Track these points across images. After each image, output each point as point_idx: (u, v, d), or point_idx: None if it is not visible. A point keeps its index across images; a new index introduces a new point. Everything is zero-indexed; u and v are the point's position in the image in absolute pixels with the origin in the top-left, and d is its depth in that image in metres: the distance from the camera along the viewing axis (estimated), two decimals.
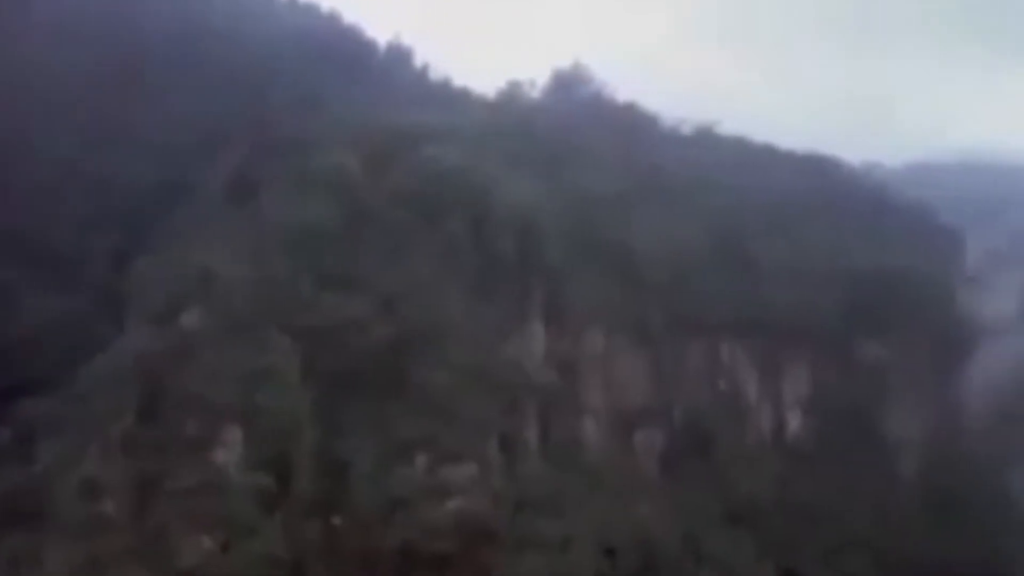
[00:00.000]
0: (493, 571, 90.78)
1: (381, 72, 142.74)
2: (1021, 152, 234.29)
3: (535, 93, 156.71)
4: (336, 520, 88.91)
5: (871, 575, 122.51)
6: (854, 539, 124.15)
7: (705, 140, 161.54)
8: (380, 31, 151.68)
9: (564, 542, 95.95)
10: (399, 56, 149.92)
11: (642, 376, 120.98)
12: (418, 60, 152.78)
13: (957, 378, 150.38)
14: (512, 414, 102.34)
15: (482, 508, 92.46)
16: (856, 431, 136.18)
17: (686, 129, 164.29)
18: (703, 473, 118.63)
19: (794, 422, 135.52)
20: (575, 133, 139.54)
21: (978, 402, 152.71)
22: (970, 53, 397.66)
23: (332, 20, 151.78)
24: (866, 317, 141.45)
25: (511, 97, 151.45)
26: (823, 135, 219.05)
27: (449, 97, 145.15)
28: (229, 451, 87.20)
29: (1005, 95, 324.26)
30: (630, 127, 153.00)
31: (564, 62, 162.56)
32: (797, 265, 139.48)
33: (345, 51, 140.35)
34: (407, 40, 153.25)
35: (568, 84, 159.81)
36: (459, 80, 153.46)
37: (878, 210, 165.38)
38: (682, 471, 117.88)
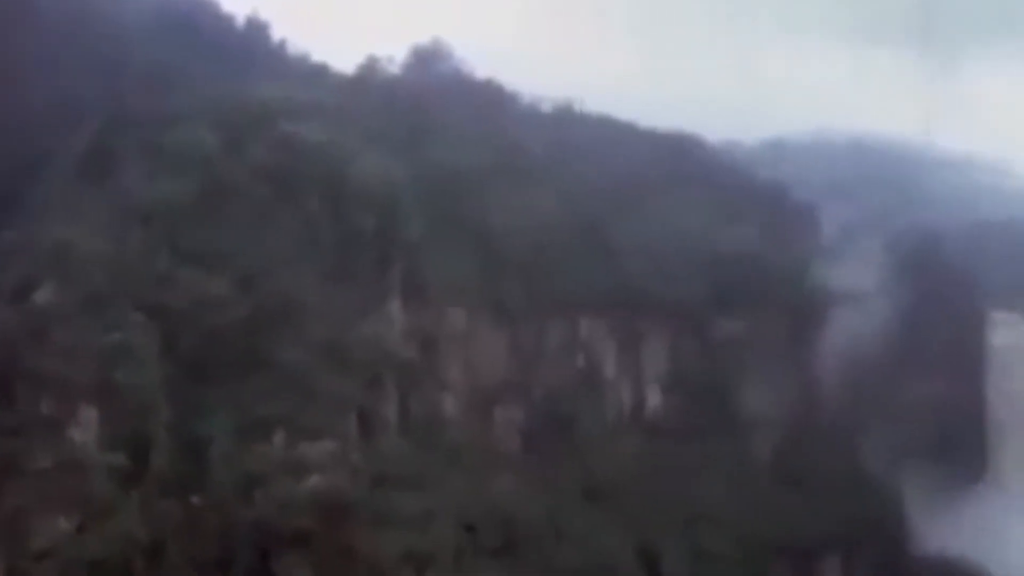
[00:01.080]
0: (352, 547, 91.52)
1: (239, 47, 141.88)
2: (875, 131, 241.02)
3: (394, 69, 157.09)
4: (194, 499, 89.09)
5: (726, 550, 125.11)
6: (710, 515, 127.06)
7: (565, 117, 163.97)
8: (237, 5, 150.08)
9: (424, 518, 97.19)
10: (257, 31, 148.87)
11: (502, 353, 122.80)
12: (276, 35, 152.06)
13: (812, 353, 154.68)
14: (371, 391, 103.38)
15: (341, 485, 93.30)
16: (713, 407, 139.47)
17: (546, 106, 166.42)
18: (562, 449, 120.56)
19: (653, 399, 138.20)
20: (435, 109, 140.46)
21: (833, 376, 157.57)
22: (824, 32, 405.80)
23: None
24: (724, 294, 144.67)
25: (370, 73, 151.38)
26: (682, 113, 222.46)
27: (307, 72, 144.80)
28: (85, 430, 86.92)
29: (859, 74, 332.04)
30: (490, 104, 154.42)
31: (423, 38, 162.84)
32: (656, 242, 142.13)
33: (202, 25, 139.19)
34: (265, 15, 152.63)
35: (427, 60, 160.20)
36: (318, 55, 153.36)
37: (736, 188, 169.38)
38: (542, 447, 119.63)
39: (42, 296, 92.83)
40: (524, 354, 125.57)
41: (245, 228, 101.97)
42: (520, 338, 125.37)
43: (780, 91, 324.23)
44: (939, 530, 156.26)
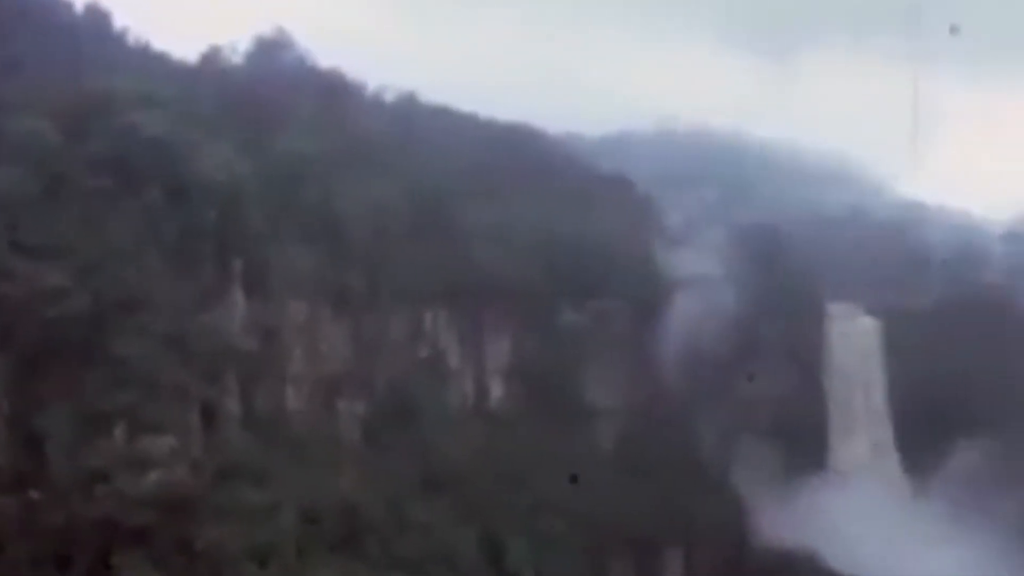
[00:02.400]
0: (195, 542, 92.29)
1: (77, 35, 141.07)
2: (716, 125, 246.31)
3: (237, 59, 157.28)
4: (33, 494, 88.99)
5: (567, 539, 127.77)
6: (553, 505, 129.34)
7: (408, 107, 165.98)
8: None
9: (267, 511, 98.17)
10: (96, 19, 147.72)
11: (344, 344, 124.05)
12: (116, 23, 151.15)
13: (655, 344, 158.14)
14: (213, 383, 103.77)
15: (182, 479, 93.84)
16: (557, 397, 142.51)
17: (389, 96, 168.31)
18: (406, 440, 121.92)
19: (496, 389, 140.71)
20: (278, 99, 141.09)
21: (676, 366, 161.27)
22: (667, 29, 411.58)
23: None
24: (567, 284, 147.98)
25: (212, 62, 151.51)
26: (523, 107, 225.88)
27: (148, 62, 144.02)
28: None
29: (700, 70, 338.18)
30: (333, 93, 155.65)
31: (266, 28, 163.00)
32: (499, 232, 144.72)
33: (39, 13, 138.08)
34: (105, 3, 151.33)
35: (270, 50, 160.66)
36: (159, 44, 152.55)
37: (578, 179, 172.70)
38: (385, 439, 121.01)
39: None
40: (367, 345, 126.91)
41: (84, 220, 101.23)
42: (363, 329, 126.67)
43: (622, 86, 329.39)
44: (779, 520, 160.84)
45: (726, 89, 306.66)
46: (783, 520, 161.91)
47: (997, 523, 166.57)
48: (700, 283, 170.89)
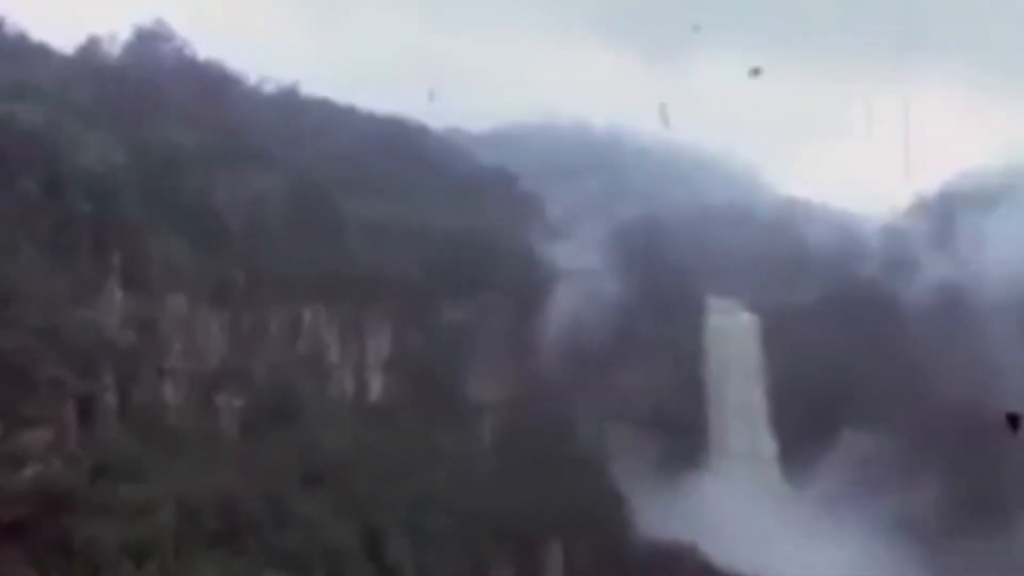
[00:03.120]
0: (72, 537, 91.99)
1: None
2: (599, 120, 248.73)
3: (115, 50, 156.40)
4: None
5: (449, 532, 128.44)
6: (432, 499, 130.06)
7: (289, 100, 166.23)
8: None
9: (144, 507, 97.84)
10: None
11: (223, 338, 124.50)
12: None
13: (536, 338, 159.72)
14: (89, 377, 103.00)
15: (59, 473, 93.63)
16: (437, 392, 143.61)
17: (270, 88, 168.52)
18: (285, 435, 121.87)
19: (376, 384, 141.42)
20: (157, 91, 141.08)
21: (557, 361, 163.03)
22: (548, 23, 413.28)
23: None
24: (448, 279, 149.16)
25: (91, 53, 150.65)
26: (405, 101, 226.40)
27: (25, 52, 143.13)
28: None
29: (584, 65, 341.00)
30: (213, 85, 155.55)
31: (146, 19, 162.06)
32: (379, 227, 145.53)
33: None
34: None
35: (150, 41, 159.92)
36: (36, 35, 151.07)
37: (460, 173, 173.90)
38: (264, 433, 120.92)
39: None
40: (246, 339, 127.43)
41: None
42: (242, 323, 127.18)
43: (505, 81, 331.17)
44: (658, 513, 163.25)
45: (609, 86, 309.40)
46: (662, 513, 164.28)
47: (876, 516, 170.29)
48: (581, 277, 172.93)
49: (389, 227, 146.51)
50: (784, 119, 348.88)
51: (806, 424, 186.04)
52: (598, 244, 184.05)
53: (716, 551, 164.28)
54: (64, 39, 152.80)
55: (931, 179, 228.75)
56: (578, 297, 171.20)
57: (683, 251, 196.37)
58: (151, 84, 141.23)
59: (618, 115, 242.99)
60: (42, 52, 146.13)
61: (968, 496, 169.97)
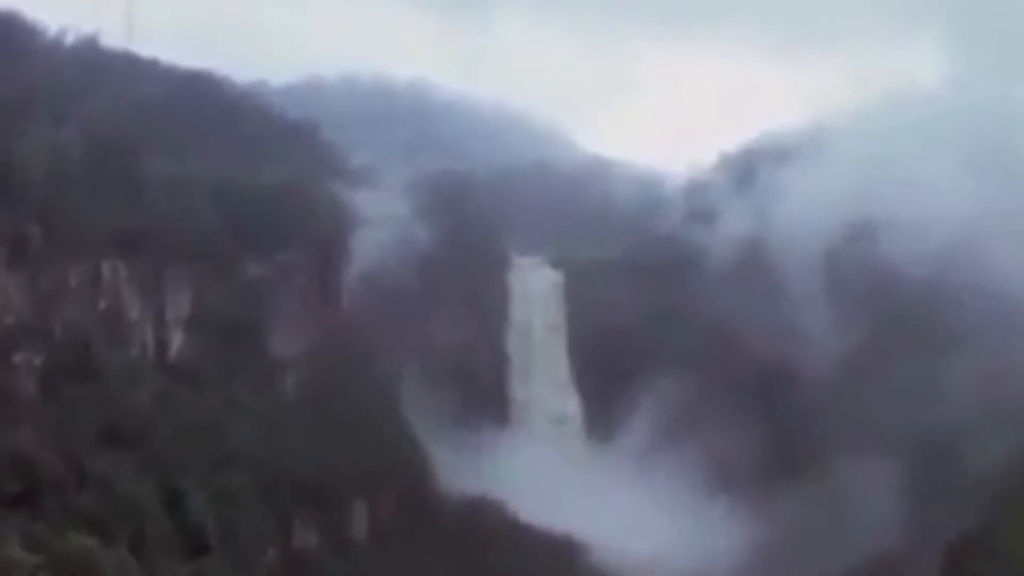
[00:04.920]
0: None
1: None
2: (403, 74, 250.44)
3: None
4: None
5: (251, 490, 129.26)
6: (236, 456, 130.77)
7: (89, 51, 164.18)
8: None
9: None
10: None
11: (21, 295, 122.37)
12: None
13: (340, 293, 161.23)
14: None
15: None
16: (240, 348, 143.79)
17: (69, 39, 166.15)
18: (85, 393, 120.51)
19: (177, 340, 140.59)
20: None
21: (361, 317, 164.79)
22: None
23: None
24: (250, 233, 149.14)
25: None
26: (208, 54, 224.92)
27: None
28: None
29: (389, 20, 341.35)
30: (10, 34, 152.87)
31: None
32: (181, 182, 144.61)
33: None
34: None
35: None
36: None
37: (262, 126, 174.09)
38: (63, 392, 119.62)
39: None
40: (44, 296, 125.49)
41: None
42: (39, 280, 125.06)
43: (308, 35, 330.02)
44: (463, 468, 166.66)
45: (413, 42, 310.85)
46: (467, 469, 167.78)
47: (683, 467, 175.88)
48: (384, 230, 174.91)
49: (190, 181, 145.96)
50: (588, 77, 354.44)
51: (610, 379, 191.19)
52: (401, 198, 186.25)
53: (523, 507, 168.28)
54: None
55: (736, 137, 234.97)
56: (381, 252, 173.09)
57: (487, 206, 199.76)
58: None
59: (422, 71, 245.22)
60: None
61: (773, 446, 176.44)
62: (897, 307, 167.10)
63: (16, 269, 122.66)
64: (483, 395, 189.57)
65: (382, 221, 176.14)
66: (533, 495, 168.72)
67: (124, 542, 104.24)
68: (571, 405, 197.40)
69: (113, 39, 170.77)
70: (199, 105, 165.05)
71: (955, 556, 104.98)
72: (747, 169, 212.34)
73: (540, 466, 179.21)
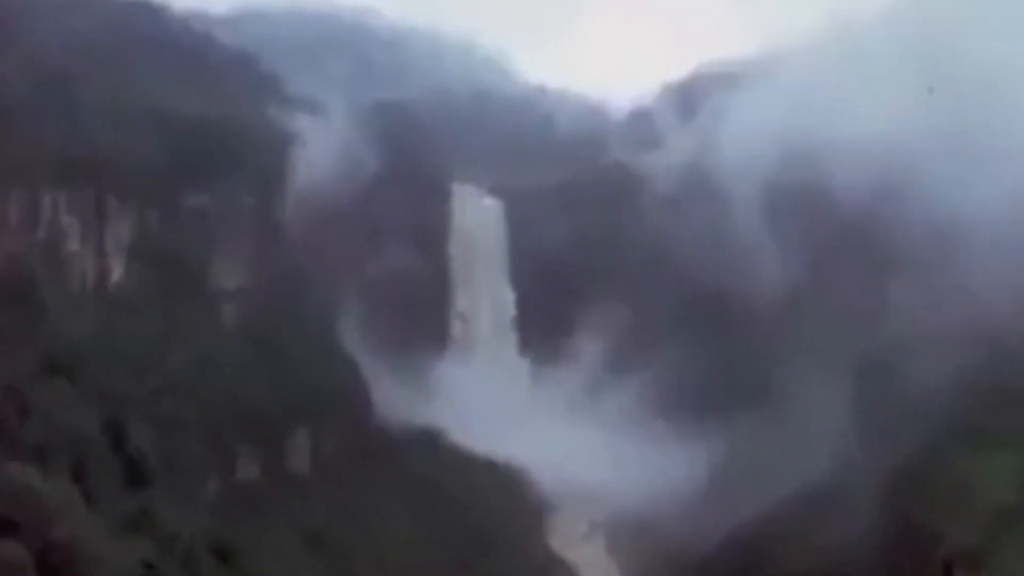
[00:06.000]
0: None
1: None
2: (344, 2, 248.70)
3: None
4: None
5: (193, 420, 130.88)
6: (177, 385, 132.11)
7: None
8: None
9: None
10: None
11: None
12: None
13: (280, 223, 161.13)
14: None
15: None
16: (180, 278, 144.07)
17: None
18: (24, 324, 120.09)
19: (118, 271, 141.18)
20: None
21: (302, 247, 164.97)
22: None
23: None
24: (190, 165, 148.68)
25: None
26: None
27: None
28: None
29: None
30: None
31: None
32: (121, 112, 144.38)
33: None
34: None
35: None
36: None
37: (203, 55, 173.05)
38: (2, 323, 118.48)
39: None
40: None
41: None
42: None
43: None
44: (405, 398, 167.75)
45: None
46: (408, 397, 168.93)
47: (625, 393, 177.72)
48: (326, 160, 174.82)
49: (130, 111, 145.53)
50: (531, 6, 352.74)
51: (551, 305, 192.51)
52: (343, 127, 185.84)
53: (464, 436, 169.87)
54: None
55: (681, 66, 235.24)
56: (323, 181, 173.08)
57: (430, 136, 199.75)
58: None
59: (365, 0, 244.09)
60: None
61: (716, 371, 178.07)
62: (839, 232, 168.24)
63: None
64: (425, 323, 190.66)
65: (324, 150, 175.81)
66: (476, 423, 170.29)
67: (65, 473, 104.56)
68: (513, 332, 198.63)
69: None
70: (138, 35, 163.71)
71: (897, 481, 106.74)
72: (691, 98, 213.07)
73: (482, 394, 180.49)
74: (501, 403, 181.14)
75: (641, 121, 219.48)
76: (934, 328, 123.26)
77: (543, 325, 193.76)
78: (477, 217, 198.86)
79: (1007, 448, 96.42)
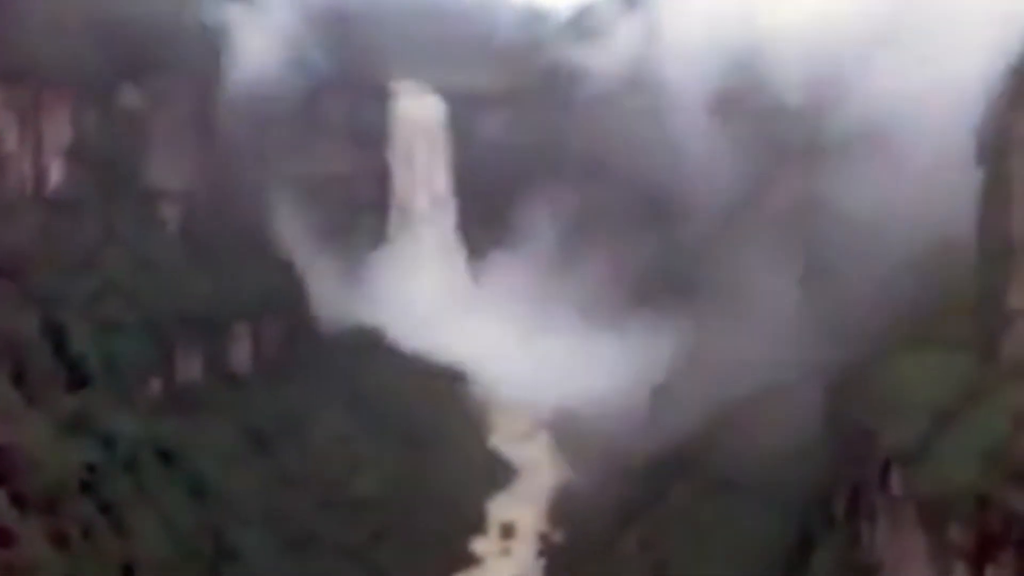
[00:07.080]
0: None
1: None
2: None
3: None
4: None
5: (132, 321, 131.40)
6: (115, 287, 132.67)
7: None
8: None
9: None
10: None
11: None
12: None
13: (219, 124, 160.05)
14: None
15: None
16: (119, 180, 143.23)
17: None
18: None
19: (56, 173, 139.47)
20: None
21: (242, 147, 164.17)
22: None
23: None
24: (127, 64, 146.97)
25: None
26: None
27: None
28: None
29: None
30: None
31: None
32: (56, 10, 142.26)
33: None
34: None
35: None
36: None
37: None
38: None
39: None
40: None
41: None
42: None
43: None
44: (346, 297, 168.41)
45: None
46: (349, 296, 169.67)
47: (566, 292, 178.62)
48: (266, 59, 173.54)
49: (64, 11, 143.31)
50: None
51: (493, 204, 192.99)
52: (283, 26, 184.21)
53: (404, 333, 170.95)
54: None
55: None
56: (263, 80, 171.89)
57: (371, 36, 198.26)
58: None
59: None
60: None
61: (657, 269, 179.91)
62: (783, 129, 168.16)
63: None
64: (364, 222, 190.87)
65: (264, 50, 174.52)
66: (416, 320, 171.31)
67: (5, 375, 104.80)
68: (454, 230, 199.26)
69: None
70: None
71: (841, 382, 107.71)
72: None
73: (422, 290, 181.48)
74: (441, 299, 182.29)
75: (584, 17, 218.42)
76: (877, 223, 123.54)
77: (485, 222, 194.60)
78: (419, 116, 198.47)
79: (946, 349, 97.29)
